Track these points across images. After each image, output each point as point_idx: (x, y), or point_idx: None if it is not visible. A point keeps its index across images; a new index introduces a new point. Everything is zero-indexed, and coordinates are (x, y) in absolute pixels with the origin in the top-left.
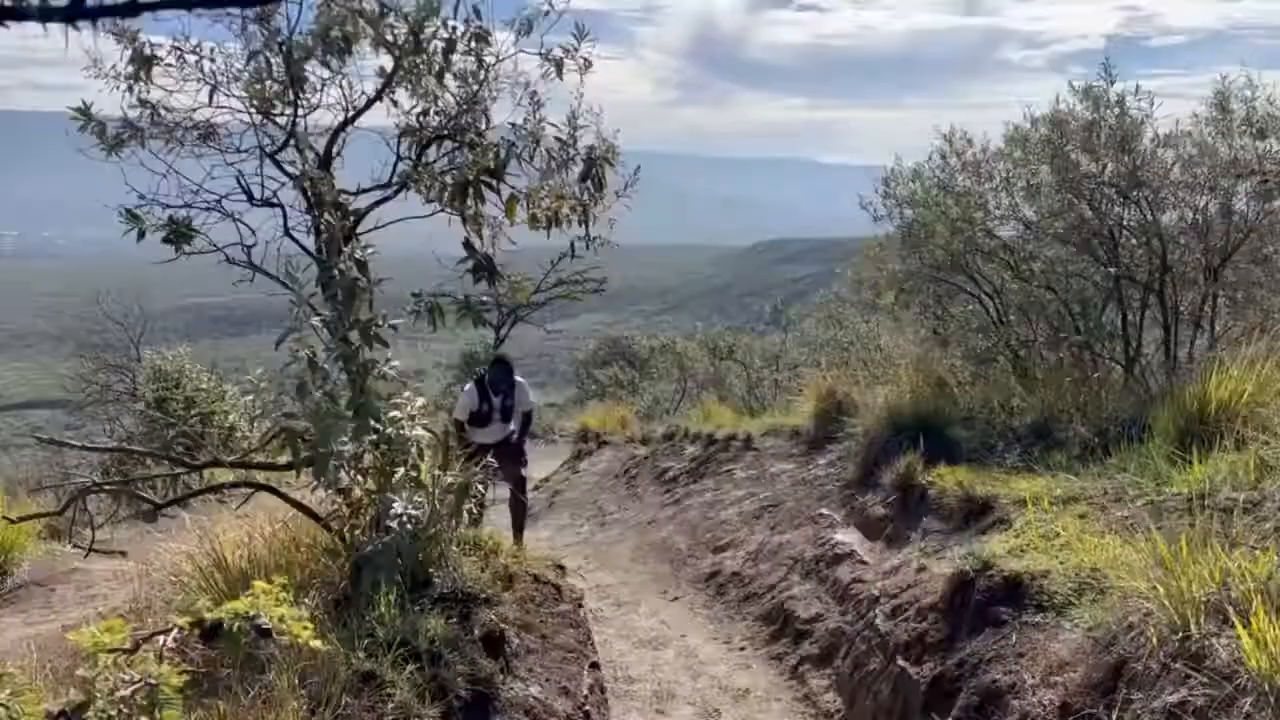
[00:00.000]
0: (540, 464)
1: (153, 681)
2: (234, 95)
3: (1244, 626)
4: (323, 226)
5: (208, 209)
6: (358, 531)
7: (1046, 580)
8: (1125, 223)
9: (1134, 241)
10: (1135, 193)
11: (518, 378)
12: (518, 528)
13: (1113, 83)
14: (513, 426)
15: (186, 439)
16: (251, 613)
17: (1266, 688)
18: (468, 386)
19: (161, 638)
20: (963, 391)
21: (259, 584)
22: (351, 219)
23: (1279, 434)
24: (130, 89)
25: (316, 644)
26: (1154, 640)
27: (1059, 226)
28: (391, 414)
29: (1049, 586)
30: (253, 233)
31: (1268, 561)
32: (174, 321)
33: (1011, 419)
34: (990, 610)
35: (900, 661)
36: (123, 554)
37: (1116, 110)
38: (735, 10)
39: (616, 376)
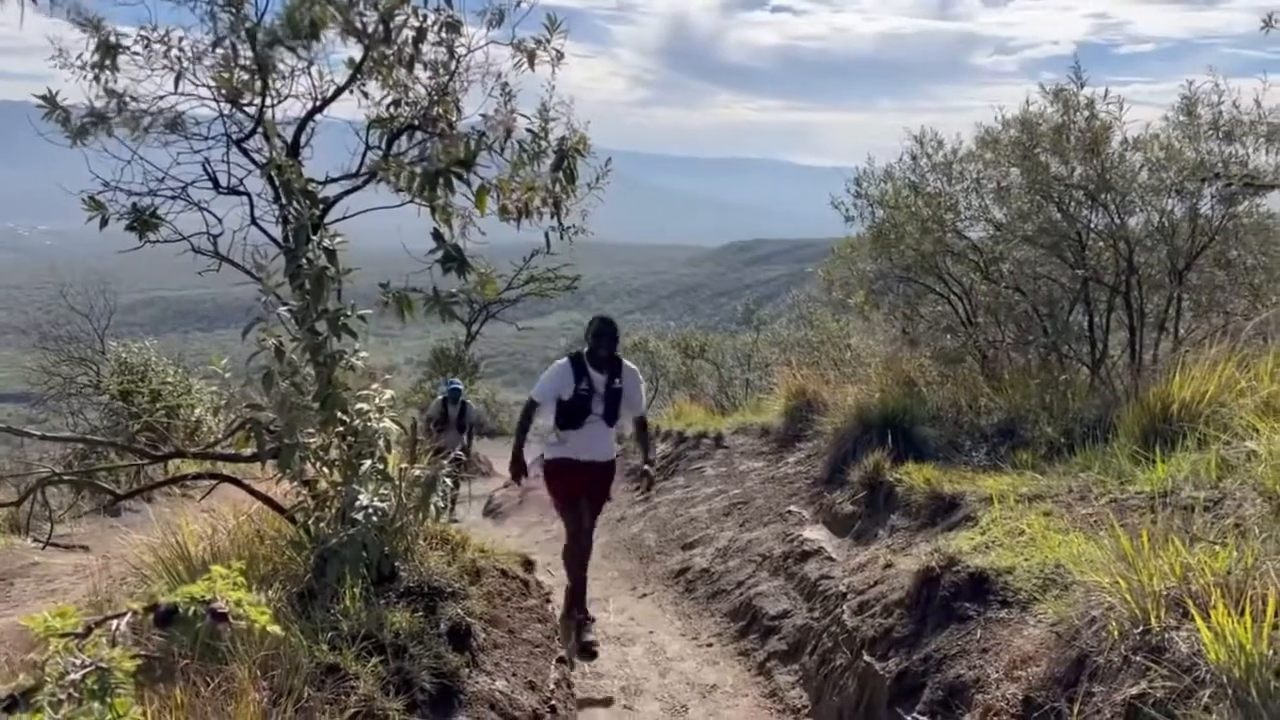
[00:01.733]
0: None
1: (104, 665)
2: (201, 84)
3: (1204, 620)
4: (290, 215)
5: (173, 197)
6: (323, 524)
7: (1011, 576)
8: (1093, 225)
9: (1101, 244)
10: (1103, 195)
11: (626, 362)
12: (579, 589)
13: (1082, 86)
14: (612, 432)
15: (151, 432)
16: (207, 596)
17: (1225, 679)
18: (559, 361)
19: (115, 622)
20: (931, 391)
21: (216, 568)
22: (320, 208)
23: (1240, 434)
24: (96, 78)
25: (274, 629)
26: (1115, 634)
27: (1028, 228)
28: (359, 406)
29: (1013, 582)
30: (219, 221)
31: (1227, 557)
32: (140, 315)
33: (979, 418)
34: (955, 606)
35: (866, 657)
36: (84, 548)
37: (1086, 113)
38: (709, 10)
39: None
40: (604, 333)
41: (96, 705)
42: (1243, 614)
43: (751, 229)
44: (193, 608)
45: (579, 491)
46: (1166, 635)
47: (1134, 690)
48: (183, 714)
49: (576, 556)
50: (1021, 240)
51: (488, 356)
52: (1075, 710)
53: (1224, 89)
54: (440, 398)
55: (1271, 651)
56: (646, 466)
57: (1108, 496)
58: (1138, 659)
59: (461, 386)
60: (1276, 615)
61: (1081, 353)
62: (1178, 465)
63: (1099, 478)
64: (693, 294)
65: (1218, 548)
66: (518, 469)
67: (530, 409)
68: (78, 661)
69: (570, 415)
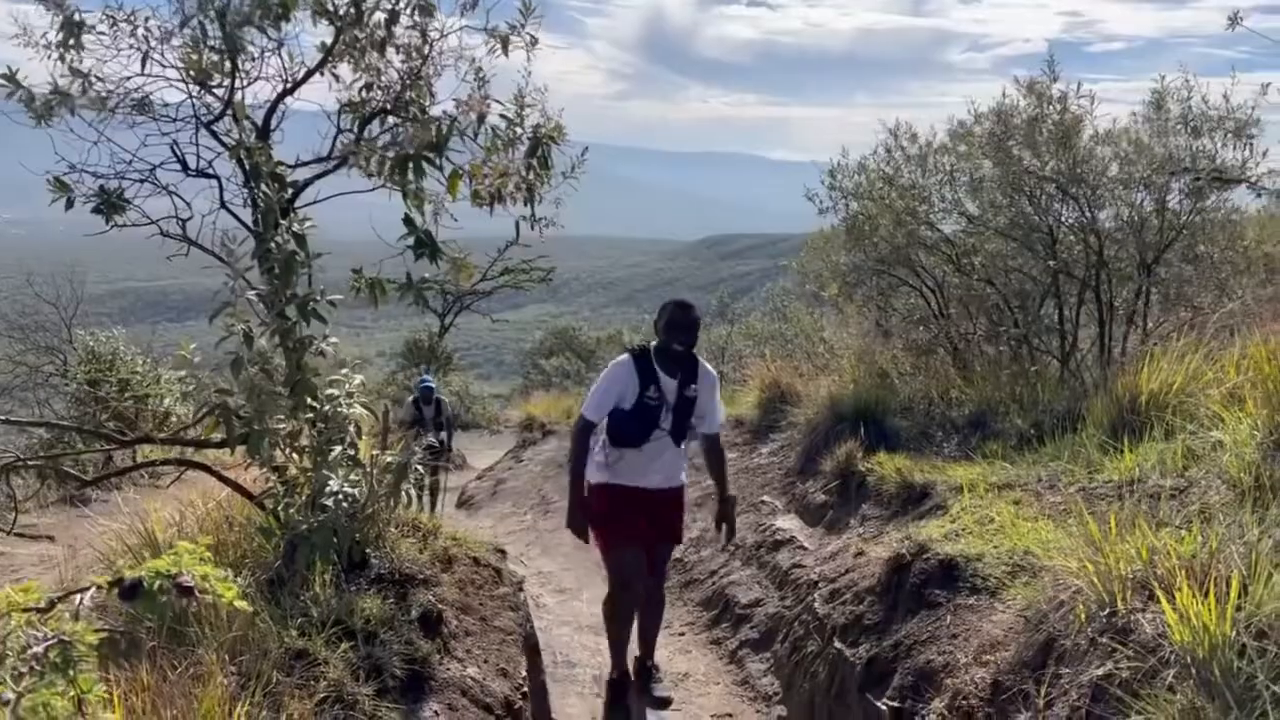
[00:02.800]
0: (483, 454)
1: (66, 639)
2: (170, 65)
3: (1168, 601)
4: (259, 198)
5: (141, 180)
6: (293, 510)
7: (981, 563)
8: (1064, 219)
9: (1072, 238)
10: (1074, 189)
11: (704, 363)
12: (620, 646)
13: (1055, 79)
14: (683, 452)
15: (120, 420)
16: (173, 571)
17: (1189, 659)
18: (619, 360)
19: (78, 597)
20: (903, 382)
21: (183, 544)
22: (290, 191)
23: (1206, 424)
24: (61, 58)
25: (242, 604)
26: (1082, 617)
27: (1000, 221)
28: (329, 391)
29: (983, 569)
30: (188, 205)
31: (1192, 541)
32: (109, 306)
33: (950, 410)
34: (926, 592)
35: (837, 644)
36: (50, 538)
37: (1058, 107)
38: (686, 4)
39: (563, 367)
40: (681, 322)
41: (59, 679)
42: (1207, 596)
43: (727, 223)
44: (158, 582)
45: (637, 528)
46: (1132, 617)
47: (1100, 671)
48: (149, 696)
49: (624, 610)
50: (993, 233)
51: (462, 349)
52: (1042, 693)
53: (1193, 85)
54: (411, 398)
55: (1234, 632)
56: (724, 502)
57: (1076, 485)
58: (1104, 641)
59: (434, 383)
60: (1239, 597)
61: (1052, 345)
62: (1145, 454)
63: (1068, 467)
64: (669, 288)
65: (1183, 532)
66: (581, 519)
67: (585, 433)
68: (39, 634)
69: (629, 430)
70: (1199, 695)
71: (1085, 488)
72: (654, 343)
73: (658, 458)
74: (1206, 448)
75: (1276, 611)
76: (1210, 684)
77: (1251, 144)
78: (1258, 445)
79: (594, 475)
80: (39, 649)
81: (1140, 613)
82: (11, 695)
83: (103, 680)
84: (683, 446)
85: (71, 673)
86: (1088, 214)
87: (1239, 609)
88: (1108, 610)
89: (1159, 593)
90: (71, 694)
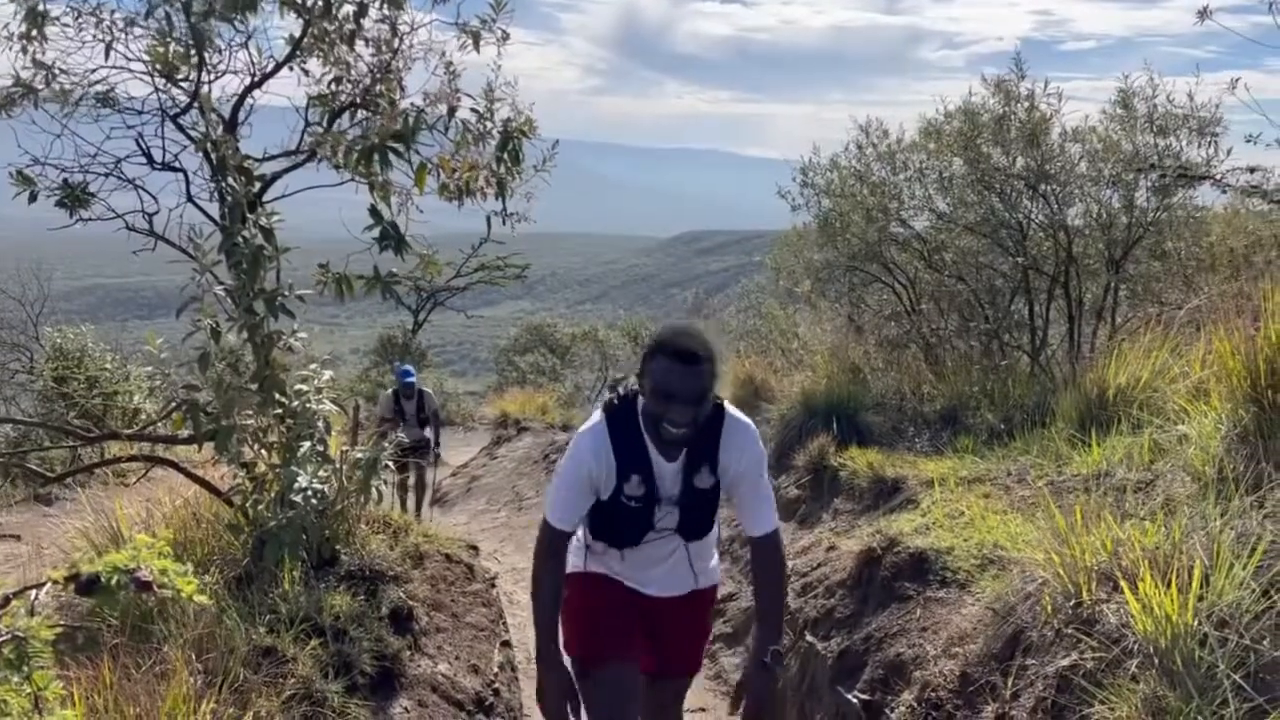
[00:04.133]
0: (458, 450)
1: (20, 634)
2: (135, 58)
3: (1132, 592)
4: (226, 192)
5: (106, 174)
6: (261, 507)
7: (950, 556)
8: (1033, 216)
9: (1041, 234)
10: (1043, 186)
11: (736, 414)
12: None
13: (1023, 77)
14: (707, 542)
15: (87, 417)
16: (131, 565)
17: (1151, 649)
18: (587, 429)
19: (33, 592)
20: (876, 378)
21: (141, 537)
22: (257, 185)
23: (1172, 418)
24: (24, 49)
25: (202, 599)
26: (1049, 609)
27: (970, 218)
28: (298, 387)
29: (953, 562)
30: (154, 199)
31: (1156, 532)
32: (77, 303)
33: (922, 405)
34: (896, 586)
35: (809, 637)
36: (16, 537)
37: (1026, 104)
38: (661, 0)
39: (538, 364)
40: (679, 386)
41: (13, 676)
42: (1169, 586)
43: (701, 220)
44: (115, 576)
45: (630, 639)
46: (1097, 608)
47: (1065, 662)
48: (112, 694)
49: None
50: (964, 229)
51: (436, 346)
52: (1009, 684)
53: (1159, 84)
54: (389, 391)
55: (1196, 621)
56: (760, 669)
57: (1045, 479)
58: (1069, 632)
59: (414, 372)
60: (1201, 587)
61: (1022, 341)
62: (1112, 448)
63: (1037, 461)
64: (643, 284)
65: (1148, 524)
66: (555, 696)
67: (554, 548)
68: None
69: (614, 527)
70: (1161, 684)
71: (1053, 481)
72: (639, 401)
73: (662, 561)
74: (1172, 441)
75: (1238, 601)
76: (1172, 673)
77: (1216, 142)
78: (1222, 438)
79: (575, 556)
80: None
81: (1105, 603)
82: None
83: (63, 678)
84: (712, 533)
85: (26, 669)
86: (1057, 211)
87: (1201, 599)
88: (1073, 601)
89: (1123, 584)
90: (28, 690)
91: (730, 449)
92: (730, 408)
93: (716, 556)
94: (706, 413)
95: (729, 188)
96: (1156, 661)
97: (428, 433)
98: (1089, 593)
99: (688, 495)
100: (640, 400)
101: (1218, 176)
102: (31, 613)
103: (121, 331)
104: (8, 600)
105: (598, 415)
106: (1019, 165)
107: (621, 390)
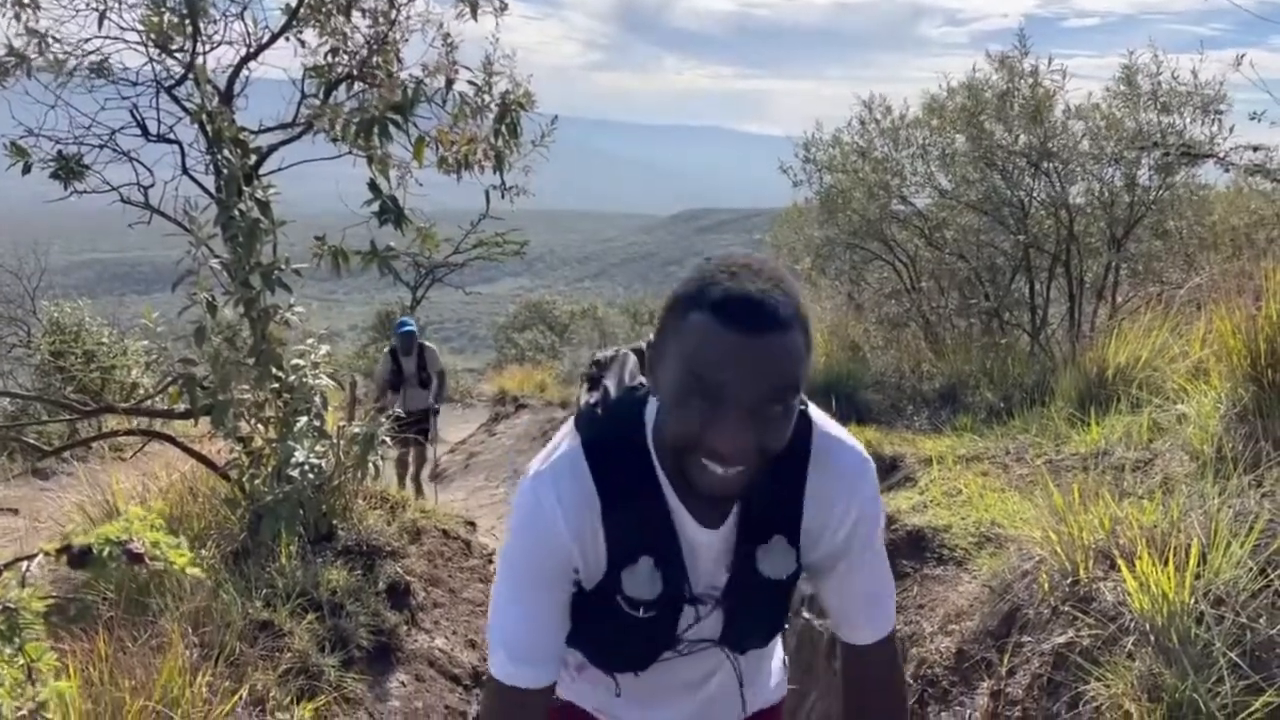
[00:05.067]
0: (456, 427)
1: (12, 605)
2: (130, 28)
3: (1129, 570)
4: (222, 164)
5: (100, 146)
6: (258, 481)
7: (948, 534)
8: (1035, 193)
9: (1043, 212)
10: (1045, 164)
11: (826, 440)
12: None
13: (1026, 53)
14: (770, 653)
15: (84, 392)
16: (123, 537)
17: (1147, 627)
18: (553, 459)
19: (25, 564)
20: (875, 356)
21: (134, 509)
22: (253, 158)
23: (1171, 397)
24: (17, 16)
25: (194, 571)
26: (1045, 586)
27: (972, 195)
28: (295, 361)
29: (950, 540)
30: (149, 171)
31: (1154, 511)
32: (74, 278)
33: (921, 383)
34: (893, 563)
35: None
36: (13, 511)
37: (1030, 81)
38: None
39: (536, 341)
40: (734, 371)
41: (5, 647)
42: (1166, 564)
43: (702, 197)
44: (108, 548)
45: None
46: (1094, 586)
47: (1061, 639)
48: (108, 666)
49: None
50: (965, 207)
51: (434, 322)
52: (1005, 661)
53: (1162, 61)
54: (387, 349)
55: (1192, 599)
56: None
57: (1043, 457)
58: (1066, 609)
59: (414, 325)
60: (1198, 565)
61: (1022, 319)
62: (1111, 427)
63: (1036, 439)
64: (644, 262)
65: (1145, 502)
66: None
67: (508, 709)
68: None
69: (606, 642)
70: (1157, 661)
71: (1052, 460)
72: (651, 401)
73: (689, 691)
74: (1171, 420)
75: (1234, 579)
76: (1169, 650)
77: (1219, 119)
78: (1221, 417)
79: (562, 684)
80: None
81: (1102, 581)
82: None
83: (58, 650)
84: (768, 647)
85: (18, 640)
86: (1059, 189)
87: (1198, 577)
88: (1070, 579)
89: (1120, 562)
90: (21, 662)
91: (822, 500)
92: (825, 422)
93: (780, 656)
94: (785, 436)
95: (729, 164)
96: (1153, 639)
97: (430, 399)
98: (1086, 570)
99: (743, 587)
100: (652, 406)
101: (1221, 155)
102: (23, 584)
103: (118, 306)
104: (0, 572)
105: (567, 444)
106: (1021, 142)
107: (611, 385)
